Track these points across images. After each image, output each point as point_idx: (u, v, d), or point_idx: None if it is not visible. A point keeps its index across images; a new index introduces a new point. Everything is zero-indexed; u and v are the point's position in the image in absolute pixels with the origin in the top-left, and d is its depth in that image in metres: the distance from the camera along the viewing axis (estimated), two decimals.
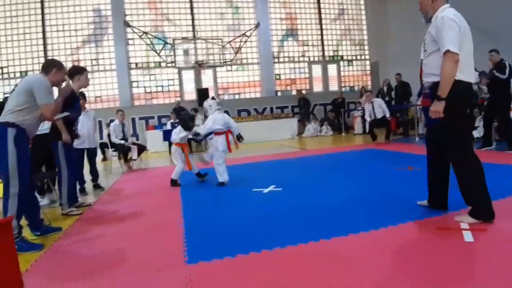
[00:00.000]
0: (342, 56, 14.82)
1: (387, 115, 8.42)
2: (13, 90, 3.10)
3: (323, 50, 14.50)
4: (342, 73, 14.80)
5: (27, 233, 3.14)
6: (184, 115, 5.40)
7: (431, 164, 3.00)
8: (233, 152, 5.26)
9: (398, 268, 2.07)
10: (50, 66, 3.31)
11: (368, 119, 8.76)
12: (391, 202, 3.43)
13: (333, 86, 14.63)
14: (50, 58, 3.09)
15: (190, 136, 5.30)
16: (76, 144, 4.99)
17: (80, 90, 4.55)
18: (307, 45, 14.43)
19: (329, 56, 14.63)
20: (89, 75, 4.49)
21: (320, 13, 14.43)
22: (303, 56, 14.38)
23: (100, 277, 2.26)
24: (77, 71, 4.25)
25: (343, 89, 14.63)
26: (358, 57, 15.06)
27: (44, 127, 4.28)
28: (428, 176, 3.06)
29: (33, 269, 2.47)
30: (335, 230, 2.74)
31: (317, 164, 6.36)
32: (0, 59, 11.92)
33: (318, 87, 14.55)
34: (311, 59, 14.45)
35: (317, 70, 14.54)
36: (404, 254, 2.24)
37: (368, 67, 15.12)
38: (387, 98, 10.55)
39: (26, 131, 3.06)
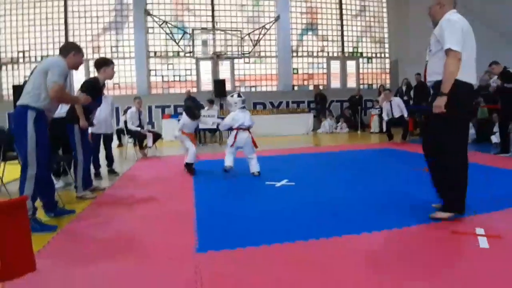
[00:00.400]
0: (361, 53, 14.58)
1: (405, 114, 8.27)
2: (32, 72, 3.13)
3: (342, 46, 14.29)
4: (361, 70, 14.57)
5: (41, 215, 3.20)
6: (188, 103, 5.32)
7: None
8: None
9: (407, 270, 2.03)
10: (69, 48, 3.37)
11: (385, 118, 8.63)
12: (406, 202, 3.37)
13: (351, 83, 14.43)
14: (67, 41, 3.20)
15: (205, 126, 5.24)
16: (93, 129, 5.06)
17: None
18: (327, 40, 14.24)
19: (349, 53, 14.41)
20: None
21: (341, 8, 14.19)
22: (322, 51, 14.20)
23: (110, 261, 2.29)
24: (105, 63, 4.30)
25: (361, 86, 14.40)
26: (378, 55, 14.80)
27: (63, 111, 4.35)
28: None
29: (46, 250, 2.52)
30: (347, 227, 2.70)
31: (331, 161, 6.30)
32: (22, 43, 12.15)
33: (335, 83, 14.37)
34: (330, 54, 14.26)
35: (335, 66, 14.35)
36: (415, 257, 2.19)
37: (387, 65, 14.85)
38: (405, 98, 10.35)
39: (45, 113, 3.09)
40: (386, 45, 14.81)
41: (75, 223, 3.15)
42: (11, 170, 4.37)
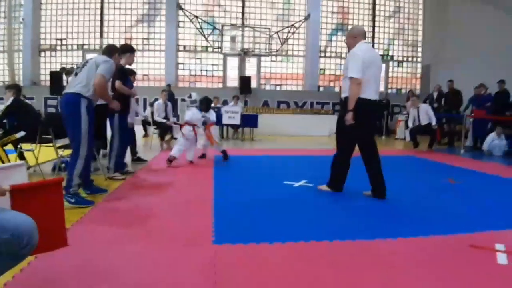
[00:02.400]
0: (392, 56, 14.31)
1: (433, 122, 8.07)
2: (83, 65, 3.47)
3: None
4: (390, 74, 14.31)
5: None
6: (207, 97, 6.00)
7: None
8: (264, 143, 5.32)
9: (418, 280, 2.03)
10: (113, 50, 3.81)
11: (410, 125, 8.44)
12: (426, 212, 3.33)
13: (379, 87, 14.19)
14: (111, 44, 3.60)
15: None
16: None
17: (131, 68, 4.97)
18: None
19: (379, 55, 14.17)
20: (139, 54, 4.86)
21: (374, 9, 13.96)
22: None
23: (131, 244, 2.41)
24: (130, 50, 4.62)
25: (389, 90, 14.15)
26: (410, 59, 14.47)
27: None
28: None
29: (74, 228, 2.68)
30: (362, 232, 2.72)
31: (353, 164, 6.25)
32: (60, 31, 12.67)
33: None
34: None
35: None
36: (428, 267, 2.17)
37: (419, 70, 14.51)
38: (435, 105, 10.09)
39: (92, 102, 3.46)
40: (419, 49, 14.46)
41: (102, 205, 3.31)
42: (45, 152, 4.63)
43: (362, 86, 3.49)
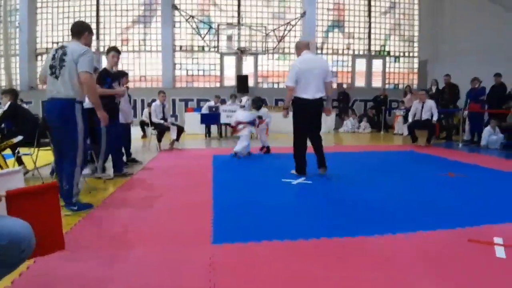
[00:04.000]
0: (389, 52, 14.29)
1: (435, 118, 8.06)
2: (61, 66, 3.13)
3: (369, 44, 14.04)
4: (387, 69, 14.29)
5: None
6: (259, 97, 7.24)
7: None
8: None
9: (418, 275, 2.03)
10: (83, 29, 3.32)
11: (410, 119, 8.43)
12: (425, 207, 3.33)
13: (377, 82, 14.19)
14: (78, 20, 3.24)
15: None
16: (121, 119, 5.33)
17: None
18: (353, 38, 14.03)
19: (375, 51, 14.15)
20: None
21: (370, 5, 13.92)
22: (348, 48, 14.02)
23: (128, 247, 2.41)
24: (111, 49, 4.80)
25: (387, 86, 14.14)
26: (406, 54, 14.45)
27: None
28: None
29: (71, 232, 2.68)
30: (361, 228, 2.72)
31: (351, 161, 6.27)
32: (57, 35, 12.64)
33: (360, 82, 14.17)
34: (356, 52, 14.06)
35: (361, 64, 14.13)
36: (429, 263, 2.18)
37: (416, 65, 14.49)
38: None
39: (83, 105, 3.31)
40: (416, 44, 14.44)
41: (100, 208, 3.31)
42: (43, 156, 4.63)
43: (301, 88, 4.42)
